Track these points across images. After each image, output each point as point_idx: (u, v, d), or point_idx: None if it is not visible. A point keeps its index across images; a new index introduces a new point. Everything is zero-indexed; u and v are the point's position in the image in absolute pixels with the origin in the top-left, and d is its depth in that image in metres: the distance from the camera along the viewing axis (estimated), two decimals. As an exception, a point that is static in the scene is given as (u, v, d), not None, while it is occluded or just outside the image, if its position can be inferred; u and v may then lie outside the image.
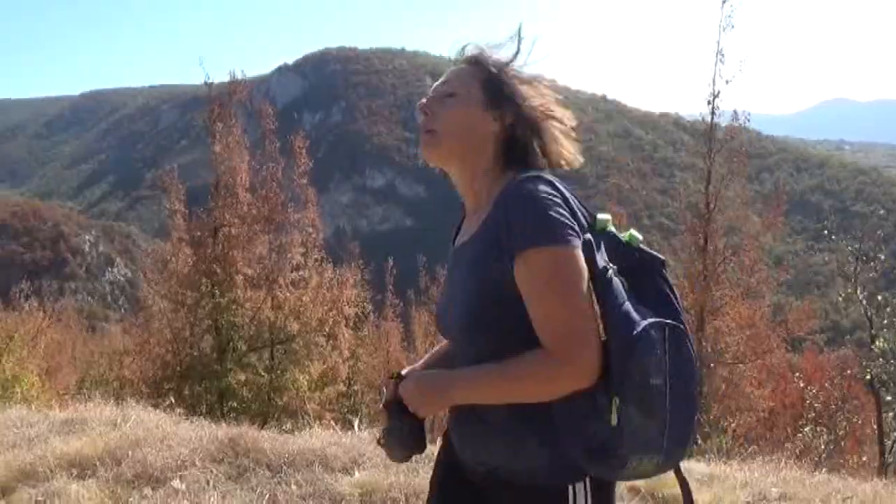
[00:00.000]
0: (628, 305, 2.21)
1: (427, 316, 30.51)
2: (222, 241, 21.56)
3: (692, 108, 22.96)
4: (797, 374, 24.38)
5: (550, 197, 2.28)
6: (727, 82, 21.07)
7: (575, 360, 2.17)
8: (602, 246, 2.29)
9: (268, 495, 6.01)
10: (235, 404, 20.69)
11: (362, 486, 6.00)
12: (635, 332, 2.15)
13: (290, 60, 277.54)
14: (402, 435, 2.49)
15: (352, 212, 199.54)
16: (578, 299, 2.20)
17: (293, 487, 6.14)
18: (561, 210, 2.27)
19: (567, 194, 2.35)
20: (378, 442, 2.54)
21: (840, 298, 26.15)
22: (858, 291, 22.78)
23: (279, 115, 25.69)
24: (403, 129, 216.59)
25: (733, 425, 19.84)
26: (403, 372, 2.61)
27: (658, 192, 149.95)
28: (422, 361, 2.87)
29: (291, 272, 22.32)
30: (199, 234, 21.79)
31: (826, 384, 23.51)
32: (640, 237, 2.39)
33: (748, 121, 21.72)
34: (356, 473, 6.11)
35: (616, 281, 2.23)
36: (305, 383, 21.38)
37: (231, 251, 21.42)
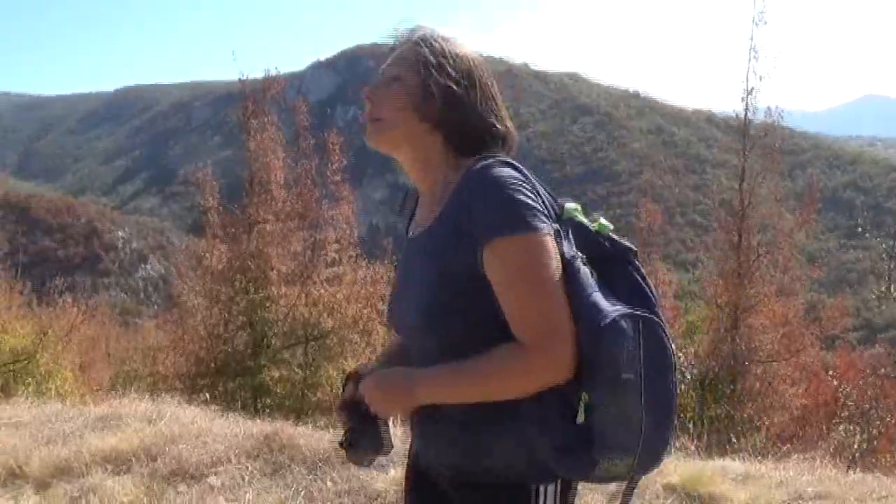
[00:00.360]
0: (596, 295, 2.11)
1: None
2: (257, 237, 21.71)
3: (725, 105, 22.96)
4: (831, 372, 24.24)
5: (516, 181, 2.17)
6: (761, 78, 21.15)
7: (549, 352, 2.06)
8: (570, 234, 2.20)
9: (304, 492, 6.04)
10: (269, 401, 20.79)
11: (398, 483, 5.96)
12: (602, 322, 2.04)
13: (324, 57, 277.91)
14: (365, 437, 2.37)
15: (385, 208, 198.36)
16: (553, 288, 2.09)
17: (329, 484, 6.16)
18: (529, 194, 2.16)
19: (533, 180, 2.23)
20: (339, 445, 2.41)
21: (873, 296, 26.10)
22: (892, 289, 22.67)
23: (312, 111, 25.73)
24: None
25: (767, 423, 19.74)
26: (361, 370, 2.48)
27: (691, 188, 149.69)
28: (378, 360, 2.70)
29: (326, 269, 22.45)
30: (233, 230, 21.96)
31: (859, 382, 23.33)
32: (611, 226, 2.28)
33: (782, 117, 21.68)
34: (392, 470, 6.08)
35: (584, 270, 2.15)
36: (340, 380, 21.41)
37: (266, 248, 21.56)
